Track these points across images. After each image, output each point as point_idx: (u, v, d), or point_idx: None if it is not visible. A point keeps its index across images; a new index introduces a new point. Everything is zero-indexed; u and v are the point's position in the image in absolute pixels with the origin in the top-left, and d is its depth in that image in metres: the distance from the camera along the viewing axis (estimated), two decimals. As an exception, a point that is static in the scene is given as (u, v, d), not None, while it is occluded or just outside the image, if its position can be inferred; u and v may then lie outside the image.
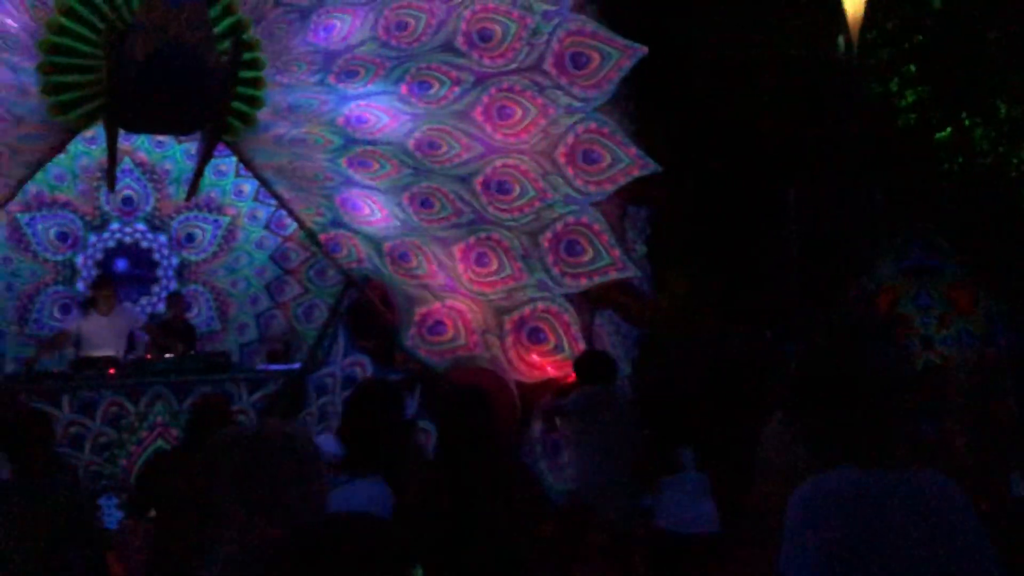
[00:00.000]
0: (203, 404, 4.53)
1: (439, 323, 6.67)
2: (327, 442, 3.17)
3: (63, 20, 5.81)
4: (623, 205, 6.59)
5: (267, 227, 8.32)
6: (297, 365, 6.94)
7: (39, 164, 6.00)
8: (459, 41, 6.43)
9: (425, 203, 6.62)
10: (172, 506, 3.85)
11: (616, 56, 6.51)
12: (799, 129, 10.56)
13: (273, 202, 8.11)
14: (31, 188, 7.19)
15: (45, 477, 3.37)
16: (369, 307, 6.70)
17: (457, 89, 6.47)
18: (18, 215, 7.44)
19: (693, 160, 10.10)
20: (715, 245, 10.60)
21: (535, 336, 6.68)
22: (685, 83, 10.46)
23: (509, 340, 6.62)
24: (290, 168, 6.66)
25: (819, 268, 9.26)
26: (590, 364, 5.45)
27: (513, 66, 6.55)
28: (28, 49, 5.78)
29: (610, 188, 6.61)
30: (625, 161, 6.52)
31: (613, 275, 6.60)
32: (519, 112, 6.57)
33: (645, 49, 6.42)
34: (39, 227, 7.61)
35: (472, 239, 6.62)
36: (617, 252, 6.53)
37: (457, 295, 6.68)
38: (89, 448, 6.12)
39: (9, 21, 5.73)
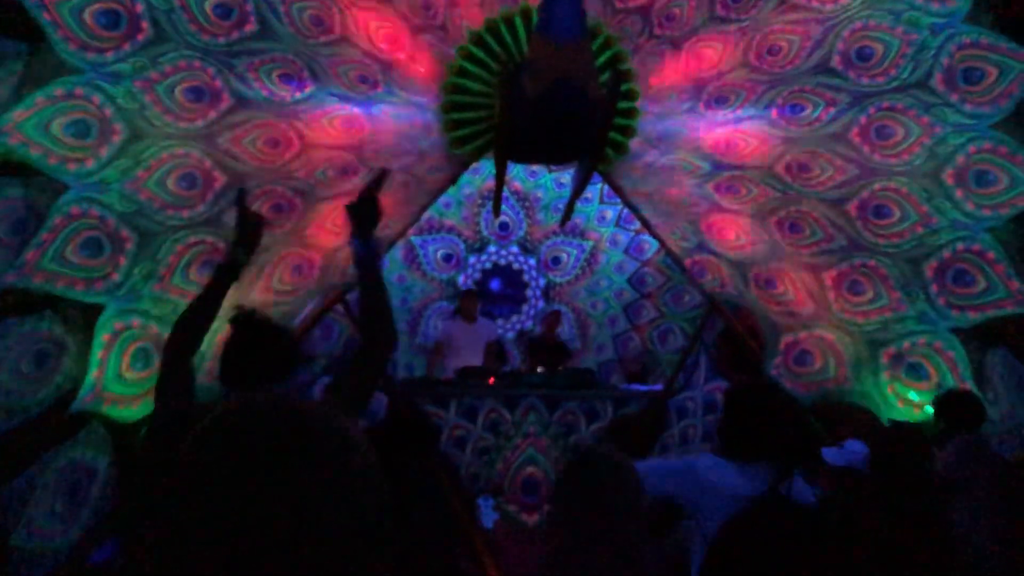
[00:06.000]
0: None
1: (806, 353, 6.42)
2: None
3: (463, 63, 6.45)
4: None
5: (626, 252, 8.61)
6: (659, 387, 7.06)
7: (438, 193, 6.70)
8: (835, 61, 6.21)
9: (794, 228, 6.43)
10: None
11: (1019, 69, 5.91)
12: None
13: (633, 228, 8.39)
14: (425, 214, 8.10)
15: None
16: (734, 334, 6.63)
17: (832, 110, 6.24)
18: (413, 238, 8.38)
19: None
20: None
21: (914, 372, 6.20)
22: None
23: (885, 375, 6.21)
24: (657, 194, 6.82)
25: None
26: (956, 406, 4.76)
27: (895, 84, 6.19)
28: (432, 91, 6.49)
29: (1007, 212, 6.01)
30: (1028, 183, 5.89)
31: (1009, 309, 5.95)
32: (901, 132, 6.19)
33: None
34: (429, 249, 8.54)
35: (845, 265, 6.31)
36: (1016, 284, 5.88)
37: (826, 324, 6.40)
38: (470, 451, 6.69)
39: (420, 68, 6.49)
